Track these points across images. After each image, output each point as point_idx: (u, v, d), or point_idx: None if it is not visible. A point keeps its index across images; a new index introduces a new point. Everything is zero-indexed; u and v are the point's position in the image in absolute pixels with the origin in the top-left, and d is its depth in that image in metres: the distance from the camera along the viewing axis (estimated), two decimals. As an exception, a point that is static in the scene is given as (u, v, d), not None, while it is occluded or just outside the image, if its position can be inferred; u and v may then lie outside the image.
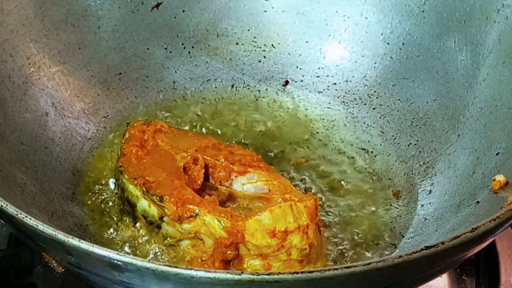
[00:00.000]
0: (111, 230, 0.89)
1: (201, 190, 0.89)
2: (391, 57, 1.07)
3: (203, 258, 0.83)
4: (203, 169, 0.89)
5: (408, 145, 1.00)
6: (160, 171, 0.88)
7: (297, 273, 0.58)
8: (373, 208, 0.93)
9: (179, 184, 0.86)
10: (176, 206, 0.83)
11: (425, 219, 0.90)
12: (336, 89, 1.09)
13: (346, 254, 0.87)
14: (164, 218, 0.84)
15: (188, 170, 0.89)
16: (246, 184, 0.89)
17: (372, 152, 1.01)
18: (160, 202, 0.84)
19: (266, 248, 0.80)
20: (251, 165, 0.90)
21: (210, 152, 0.92)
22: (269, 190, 0.87)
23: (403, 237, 0.89)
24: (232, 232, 0.80)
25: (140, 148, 0.92)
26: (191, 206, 0.82)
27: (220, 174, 0.89)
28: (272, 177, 0.88)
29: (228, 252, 0.80)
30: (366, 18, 1.09)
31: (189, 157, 0.90)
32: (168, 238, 0.85)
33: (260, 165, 0.90)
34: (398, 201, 0.94)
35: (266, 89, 1.11)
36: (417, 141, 1.00)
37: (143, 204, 0.86)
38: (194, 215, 0.82)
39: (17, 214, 0.66)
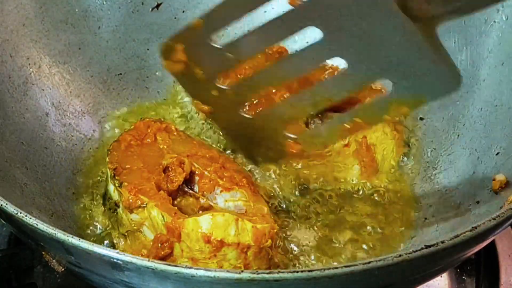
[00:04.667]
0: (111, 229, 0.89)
1: (180, 194, 0.88)
2: (391, 57, 1.07)
3: (143, 253, 0.82)
4: (184, 174, 0.88)
5: (408, 145, 1.00)
6: (138, 162, 0.88)
7: (297, 272, 0.58)
8: (373, 208, 0.93)
9: (146, 177, 0.86)
10: (130, 193, 0.83)
11: (425, 218, 0.90)
12: (336, 90, 1.09)
13: (344, 253, 0.87)
14: (120, 205, 0.84)
15: (169, 170, 0.89)
16: (228, 201, 0.88)
17: (372, 152, 1.01)
18: (119, 187, 0.84)
19: (198, 252, 0.79)
20: (238, 184, 0.89)
21: (202, 161, 0.91)
22: (246, 211, 0.86)
23: (404, 236, 0.89)
24: (171, 229, 0.79)
25: (136, 139, 0.92)
26: (142, 197, 0.82)
27: (205, 185, 0.89)
28: (252, 199, 0.87)
29: (162, 248, 0.80)
30: (366, 18, 1.09)
31: (175, 159, 0.89)
32: (126, 227, 0.85)
33: (249, 183, 0.89)
34: (398, 200, 0.94)
35: (266, 90, 1.10)
36: (417, 141, 1.00)
37: (110, 188, 0.87)
38: (143, 205, 0.82)
39: (17, 213, 0.66)
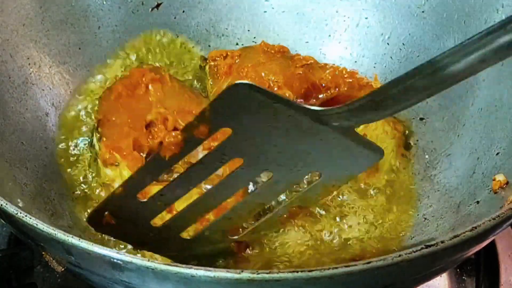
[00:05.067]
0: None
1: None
2: (391, 57, 1.07)
3: None
4: (166, 131, 0.90)
5: (408, 145, 1.00)
6: (124, 115, 0.91)
7: (297, 271, 0.58)
8: (373, 208, 0.93)
9: (126, 132, 0.88)
10: (106, 149, 0.86)
11: (425, 219, 0.90)
12: (336, 90, 1.09)
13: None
14: (98, 157, 0.88)
15: (153, 125, 0.91)
16: None
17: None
18: (98, 141, 0.87)
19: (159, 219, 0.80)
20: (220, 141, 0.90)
21: (189, 118, 0.91)
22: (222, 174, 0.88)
23: (403, 236, 0.89)
24: None
25: (128, 89, 0.94)
26: (116, 155, 0.85)
27: None
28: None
29: None
30: (366, 18, 1.09)
31: (159, 115, 0.91)
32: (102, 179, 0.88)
33: None
34: (398, 200, 0.94)
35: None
36: (417, 141, 1.00)
37: (94, 138, 0.90)
38: (116, 164, 0.85)
39: (17, 213, 0.66)
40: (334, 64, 1.03)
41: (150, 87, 0.95)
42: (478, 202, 0.83)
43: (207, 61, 1.04)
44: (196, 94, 0.98)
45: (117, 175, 0.86)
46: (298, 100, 0.99)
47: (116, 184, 0.86)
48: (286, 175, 0.74)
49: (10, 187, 0.82)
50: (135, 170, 0.81)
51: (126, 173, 0.84)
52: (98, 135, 0.89)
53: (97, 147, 0.89)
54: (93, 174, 0.92)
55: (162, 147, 0.71)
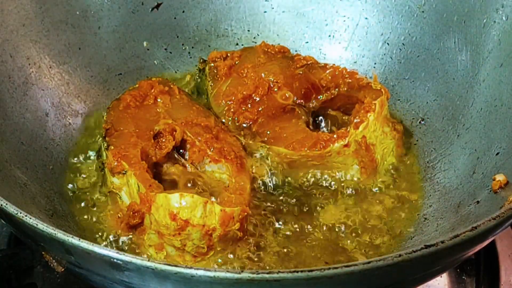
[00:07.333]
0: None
1: (170, 161, 0.91)
2: (391, 57, 1.07)
3: (119, 216, 0.87)
4: (174, 142, 0.91)
5: (408, 145, 1.00)
6: (131, 125, 0.92)
7: (297, 272, 0.58)
8: (373, 208, 0.93)
9: (134, 142, 0.89)
10: (114, 158, 0.86)
11: (425, 219, 0.90)
12: (336, 90, 1.09)
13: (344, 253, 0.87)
14: (105, 165, 0.89)
15: (160, 136, 0.91)
16: (215, 172, 0.90)
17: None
18: (106, 149, 0.88)
19: (164, 227, 0.81)
20: (226, 157, 0.90)
21: (196, 130, 0.93)
22: (228, 186, 0.88)
23: (403, 236, 0.89)
24: (143, 200, 0.82)
25: (136, 100, 0.95)
26: (124, 163, 0.85)
27: (194, 154, 0.91)
28: (235, 174, 0.89)
29: (133, 217, 0.83)
30: (366, 18, 1.09)
31: (167, 126, 0.92)
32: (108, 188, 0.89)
33: (237, 157, 0.90)
34: (398, 201, 0.94)
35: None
36: (417, 141, 1.00)
37: (102, 147, 0.91)
38: (123, 172, 0.85)
39: (17, 213, 0.66)
40: (334, 64, 1.03)
41: (158, 99, 0.96)
42: (478, 202, 0.83)
43: (207, 62, 1.04)
44: (202, 109, 0.99)
45: (124, 183, 0.86)
46: (298, 101, 0.99)
47: (123, 193, 0.86)
48: None
49: (10, 187, 0.82)
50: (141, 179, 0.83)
51: (133, 182, 0.84)
52: (106, 144, 0.89)
53: (104, 155, 0.89)
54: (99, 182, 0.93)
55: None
